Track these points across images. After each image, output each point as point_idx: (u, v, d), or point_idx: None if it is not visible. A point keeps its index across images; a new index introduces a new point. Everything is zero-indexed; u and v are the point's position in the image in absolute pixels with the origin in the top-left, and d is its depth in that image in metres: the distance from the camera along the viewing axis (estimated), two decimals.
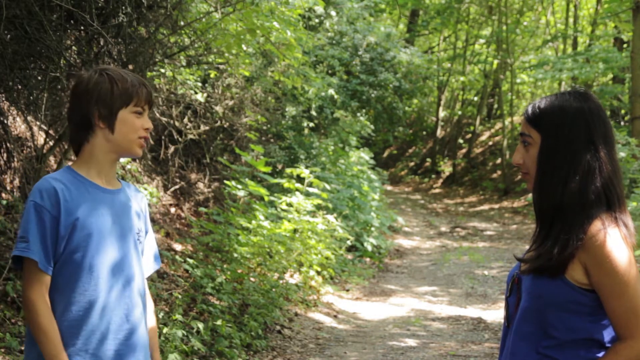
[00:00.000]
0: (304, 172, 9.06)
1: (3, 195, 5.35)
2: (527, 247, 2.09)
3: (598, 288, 1.88)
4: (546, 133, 1.97)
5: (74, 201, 2.21)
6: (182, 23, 5.91)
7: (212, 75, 8.45)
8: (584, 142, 1.93)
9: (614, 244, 1.87)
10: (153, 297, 5.64)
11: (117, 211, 2.30)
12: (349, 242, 10.03)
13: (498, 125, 23.90)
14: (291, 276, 7.94)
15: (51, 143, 5.62)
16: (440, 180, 23.21)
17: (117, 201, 2.31)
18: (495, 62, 23.13)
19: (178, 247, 7.25)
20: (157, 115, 7.85)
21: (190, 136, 8.71)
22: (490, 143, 23.68)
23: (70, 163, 2.41)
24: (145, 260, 2.46)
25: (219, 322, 5.51)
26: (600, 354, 1.91)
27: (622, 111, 17.78)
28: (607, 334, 1.93)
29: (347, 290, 8.76)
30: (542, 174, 1.97)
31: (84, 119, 2.27)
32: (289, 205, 8.55)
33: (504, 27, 20.58)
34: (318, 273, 8.43)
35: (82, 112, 2.28)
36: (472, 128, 24.43)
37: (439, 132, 25.53)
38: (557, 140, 1.95)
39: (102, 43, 5.05)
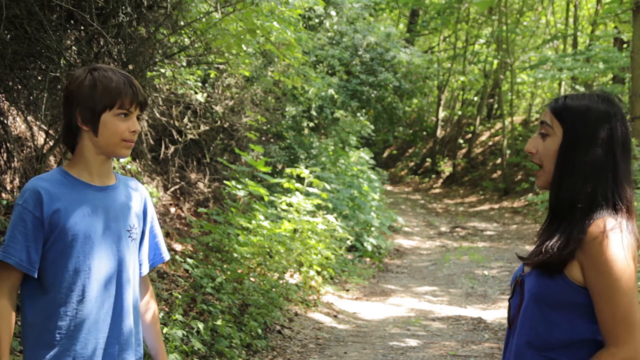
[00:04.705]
0: (304, 172, 9.05)
1: (3, 195, 5.35)
2: (528, 247, 2.09)
3: (590, 288, 1.88)
4: (569, 128, 1.97)
5: (59, 202, 2.18)
6: (182, 23, 5.91)
7: (212, 75, 8.45)
8: (604, 144, 1.94)
9: (612, 247, 1.86)
10: None
11: (109, 209, 2.26)
12: (349, 242, 10.02)
13: (498, 125, 23.90)
14: (291, 276, 7.94)
15: (51, 143, 5.61)
16: (440, 180, 23.21)
17: (110, 198, 2.27)
18: (495, 62, 23.13)
19: (178, 247, 7.25)
20: (157, 115, 7.85)
21: (190, 136, 8.70)
22: (490, 143, 23.67)
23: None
24: (148, 253, 2.43)
25: (219, 322, 5.51)
26: None
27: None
28: None
29: (347, 290, 8.76)
30: (563, 170, 1.97)
31: (70, 121, 2.24)
32: (289, 205, 8.55)
33: (504, 27, 20.57)
34: (318, 273, 8.42)
35: (68, 114, 2.25)
36: (472, 128, 24.43)
37: (439, 132, 25.53)
38: (579, 139, 1.95)
39: (102, 43, 5.05)
